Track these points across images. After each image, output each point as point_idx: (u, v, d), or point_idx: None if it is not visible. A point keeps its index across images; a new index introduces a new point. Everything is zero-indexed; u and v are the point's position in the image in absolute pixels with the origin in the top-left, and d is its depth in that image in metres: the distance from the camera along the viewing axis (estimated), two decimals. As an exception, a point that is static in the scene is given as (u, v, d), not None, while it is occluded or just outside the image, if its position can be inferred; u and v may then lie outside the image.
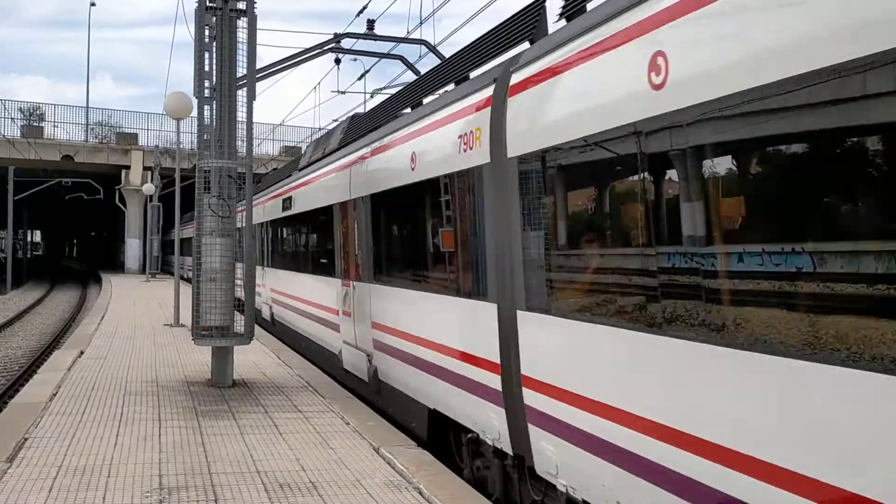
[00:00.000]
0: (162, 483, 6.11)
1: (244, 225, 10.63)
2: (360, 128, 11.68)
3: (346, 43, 16.35)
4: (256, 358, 12.55)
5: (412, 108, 9.15)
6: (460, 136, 6.88)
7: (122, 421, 8.14)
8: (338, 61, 18.71)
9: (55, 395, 9.43)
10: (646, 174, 4.31)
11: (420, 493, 6.00)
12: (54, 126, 46.43)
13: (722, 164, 3.89)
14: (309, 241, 14.47)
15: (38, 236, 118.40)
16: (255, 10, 10.13)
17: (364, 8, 16.77)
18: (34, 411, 8.46)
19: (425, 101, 8.88)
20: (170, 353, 13.22)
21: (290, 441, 7.48)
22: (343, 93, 20.16)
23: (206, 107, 10.03)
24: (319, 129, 36.69)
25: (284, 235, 16.96)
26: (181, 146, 20.93)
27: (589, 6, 5.36)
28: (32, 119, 47.42)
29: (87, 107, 48.75)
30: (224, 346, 10.03)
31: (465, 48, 8.14)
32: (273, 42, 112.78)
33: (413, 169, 8.01)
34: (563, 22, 5.79)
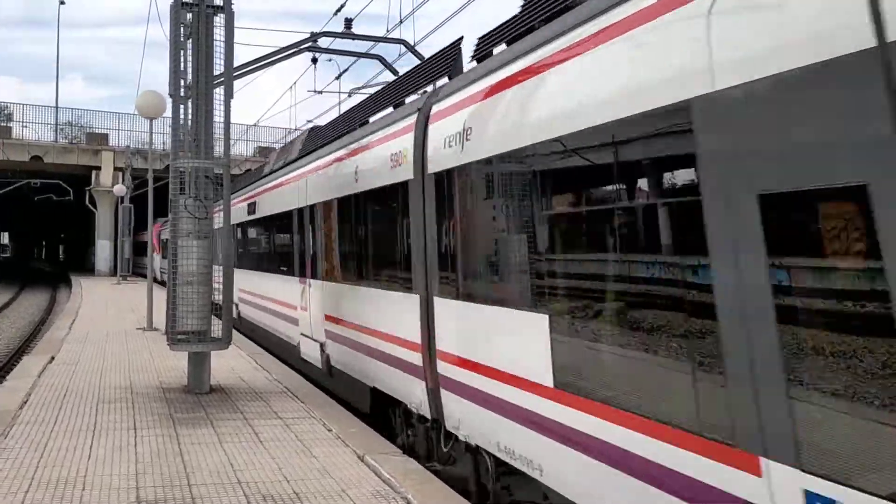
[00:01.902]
0: (140, 496, 5.87)
1: (221, 226, 10.36)
2: None
3: (324, 42, 16.06)
4: (233, 363, 12.29)
5: None
6: None
7: (96, 430, 7.87)
8: (314, 61, 18.46)
9: (25, 402, 9.12)
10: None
11: (408, 502, 5.83)
12: (23, 126, 45.45)
13: None
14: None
15: (6, 238, 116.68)
16: (233, 7, 9.91)
17: (341, 7, 16.52)
18: (3, 420, 8.15)
19: None
20: (143, 358, 12.90)
21: (271, 450, 7.27)
22: (320, 93, 19.97)
23: (181, 106, 9.79)
24: (295, 129, 36.32)
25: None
26: (153, 146, 20.53)
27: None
28: (0, 119, 46.50)
29: (57, 106, 47.84)
30: (201, 351, 9.78)
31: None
32: (249, 41, 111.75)
33: None
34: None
